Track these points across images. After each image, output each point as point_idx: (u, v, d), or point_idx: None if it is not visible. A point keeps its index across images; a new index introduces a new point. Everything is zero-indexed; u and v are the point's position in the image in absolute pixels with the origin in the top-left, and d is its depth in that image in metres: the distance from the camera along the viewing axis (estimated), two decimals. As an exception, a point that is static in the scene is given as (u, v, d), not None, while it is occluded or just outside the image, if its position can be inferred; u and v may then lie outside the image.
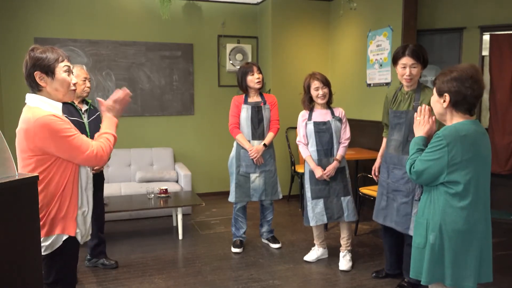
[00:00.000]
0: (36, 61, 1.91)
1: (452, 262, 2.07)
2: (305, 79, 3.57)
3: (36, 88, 1.94)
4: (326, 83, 3.51)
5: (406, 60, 2.95)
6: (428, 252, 2.11)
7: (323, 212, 3.55)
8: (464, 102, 2.04)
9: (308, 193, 3.61)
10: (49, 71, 1.92)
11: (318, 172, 3.52)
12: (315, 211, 3.56)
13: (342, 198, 3.55)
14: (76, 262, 2.14)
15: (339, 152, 3.55)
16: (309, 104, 3.60)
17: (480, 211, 2.08)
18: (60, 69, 1.95)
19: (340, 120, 3.56)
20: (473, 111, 2.09)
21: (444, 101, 2.08)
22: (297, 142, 3.70)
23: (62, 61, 1.96)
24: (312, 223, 3.59)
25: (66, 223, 1.97)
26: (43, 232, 1.92)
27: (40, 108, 1.90)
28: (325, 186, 3.55)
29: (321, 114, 3.57)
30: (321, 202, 3.55)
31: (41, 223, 1.91)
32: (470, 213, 2.05)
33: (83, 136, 1.96)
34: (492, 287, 2.98)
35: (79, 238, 2.04)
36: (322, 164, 3.55)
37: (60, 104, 2.00)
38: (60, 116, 1.92)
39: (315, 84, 3.49)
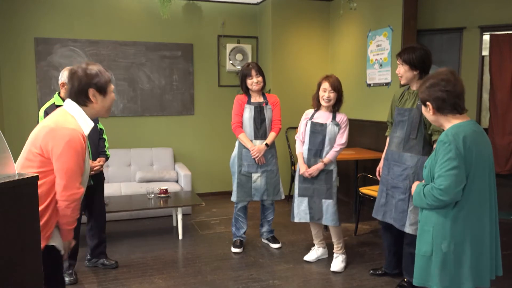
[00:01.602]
0: (92, 79, 2.01)
1: (471, 265, 2.05)
2: (321, 78, 3.58)
3: (82, 103, 2.03)
4: (335, 88, 3.47)
5: (398, 60, 3.10)
6: (439, 261, 2.08)
7: (306, 210, 3.60)
8: (445, 105, 2.07)
9: (296, 190, 3.68)
10: (103, 90, 2.05)
11: (302, 168, 3.57)
12: (299, 209, 3.63)
13: (323, 200, 3.55)
14: (56, 273, 2.12)
15: (328, 155, 3.52)
16: (317, 102, 3.57)
17: (487, 209, 2.07)
18: (111, 89, 2.10)
19: (338, 125, 3.52)
20: (461, 110, 2.10)
21: (430, 109, 2.12)
22: (295, 137, 3.72)
23: (110, 81, 2.11)
24: (295, 220, 3.66)
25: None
26: None
27: (75, 118, 1.99)
28: (310, 185, 3.59)
29: (322, 116, 3.56)
30: (305, 201, 3.60)
31: None
32: (478, 213, 2.04)
33: (82, 173, 2.00)
34: (492, 287, 2.98)
35: (59, 248, 2.03)
36: (310, 163, 3.57)
37: (93, 124, 2.09)
38: (85, 139, 2.00)
39: (325, 85, 3.49)
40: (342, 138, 3.53)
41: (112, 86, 2.11)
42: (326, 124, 3.51)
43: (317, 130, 3.53)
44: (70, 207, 1.96)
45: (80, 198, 2.01)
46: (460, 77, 2.15)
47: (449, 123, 2.10)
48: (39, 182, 1.87)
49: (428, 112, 2.16)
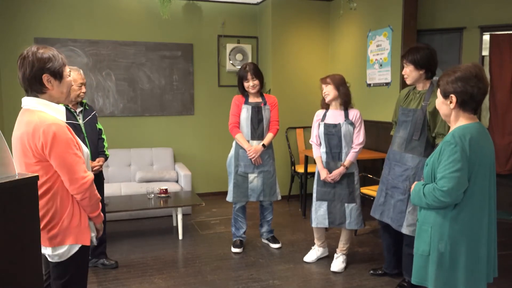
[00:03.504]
0: (45, 64, 1.83)
1: (466, 267, 2.03)
2: None
3: (38, 91, 1.86)
4: (328, 82, 3.41)
5: (404, 61, 3.09)
6: (436, 261, 2.07)
7: (325, 215, 3.51)
8: (471, 101, 2.01)
9: (314, 194, 3.59)
10: (58, 74, 1.88)
11: (323, 174, 3.48)
12: (317, 213, 3.54)
13: (346, 204, 3.47)
14: (88, 265, 2.13)
15: (348, 157, 3.43)
16: (325, 103, 3.53)
17: (486, 211, 2.05)
18: (67, 73, 1.94)
19: (352, 124, 3.42)
20: (478, 110, 2.07)
21: (451, 102, 2.04)
22: (310, 142, 3.66)
23: (66, 64, 1.93)
24: (313, 224, 3.59)
25: (80, 232, 1.93)
26: (55, 242, 1.88)
27: (45, 112, 1.85)
28: (331, 189, 3.50)
29: (334, 116, 3.48)
30: (324, 205, 3.52)
31: (54, 232, 1.87)
32: (478, 216, 2.03)
33: (83, 161, 1.92)
34: (492, 287, 2.99)
35: (94, 241, 2.04)
36: (329, 167, 3.49)
37: (64, 109, 1.94)
38: (68, 126, 1.88)
39: (321, 83, 3.47)
40: (359, 137, 3.43)
41: (67, 70, 1.93)
42: (339, 124, 3.42)
43: (331, 132, 3.44)
44: (86, 197, 1.89)
45: (91, 183, 1.91)
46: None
47: (459, 122, 2.06)
48: (57, 183, 1.86)
49: (446, 105, 2.07)
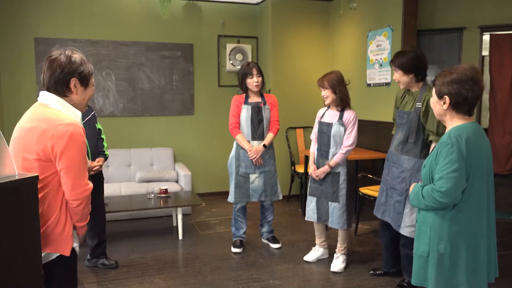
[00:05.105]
0: (77, 68, 1.87)
1: (466, 268, 2.03)
2: None
3: (61, 93, 1.86)
4: (324, 86, 3.43)
5: (392, 66, 3.10)
6: (436, 262, 2.06)
7: (314, 210, 3.63)
8: (464, 104, 2.01)
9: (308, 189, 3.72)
10: (85, 81, 1.91)
11: (310, 169, 3.61)
12: (309, 207, 3.67)
13: (330, 203, 3.53)
14: (76, 272, 2.04)
15: (334, 158, 3.45)
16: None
17: (485, 212, 2.05)
18: (92, 82, 1.97)
19: (343, 125, 3.43)
20: (472, 111, 2.08)
21: (444, 103, 2.04)
22: (310, 137, 3.75)
23: (93, 73, 1.97)
24: (306, 218, 3.72)
25: (62, 241, 1.83)
26: None
27: (62, 112, 1.83)
28: (318, 186, 3.59)
29: (330, 115, 3.53)
30: (314, 201, 3.63)
31: None
32: (476, 216, 2.03)
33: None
34: (492, 287, 2.99)
35: (77, 250, 1.96)
36: (318, 164, 3.58)
37: (80, 113, 1.94)
38: (84, 129, 1.87)
39: (318, 86, 3.50)
40: (348, 140, 3.42)
41: (93, 79, 1.97)
42: (332, 123, 3.47)
43: (323, 130, 3.52)
44: (82, 204, 1.85)
45: (90, 193, 1.89)
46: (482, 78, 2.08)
47: (454, 123, 2.06)
48: (49, 186, 1.79)
49: (439, 105, 2.07)
